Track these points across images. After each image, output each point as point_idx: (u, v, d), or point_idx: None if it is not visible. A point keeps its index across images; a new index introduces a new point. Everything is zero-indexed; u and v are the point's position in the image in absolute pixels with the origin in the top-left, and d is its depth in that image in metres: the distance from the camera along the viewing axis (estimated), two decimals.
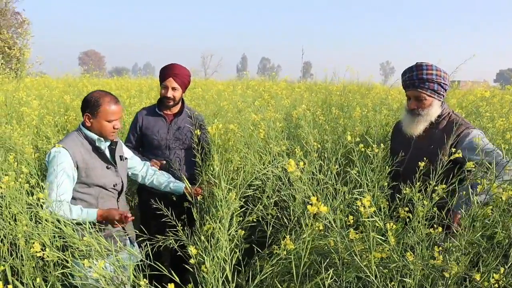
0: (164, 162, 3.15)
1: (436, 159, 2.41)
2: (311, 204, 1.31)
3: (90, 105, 2.41)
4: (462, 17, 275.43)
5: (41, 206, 1.87)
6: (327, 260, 1.84)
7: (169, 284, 1.38)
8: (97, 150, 2.46)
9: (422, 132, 2.61)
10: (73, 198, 2.38)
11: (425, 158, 2.22)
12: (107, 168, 2.48)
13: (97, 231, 1.83)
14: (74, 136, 2.44)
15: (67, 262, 1.67)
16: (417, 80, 2.54)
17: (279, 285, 1.67)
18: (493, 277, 1.79)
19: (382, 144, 2.35)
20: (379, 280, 1.68)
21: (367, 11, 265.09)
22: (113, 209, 2.39)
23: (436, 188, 2.04)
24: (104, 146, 2.51)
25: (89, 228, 1.76)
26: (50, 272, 1.90)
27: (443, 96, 2.59)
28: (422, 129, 2.60)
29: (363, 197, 1.66)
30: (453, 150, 2.24)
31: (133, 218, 2.38)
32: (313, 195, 1.82)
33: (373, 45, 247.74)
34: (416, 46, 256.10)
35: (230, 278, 1.66)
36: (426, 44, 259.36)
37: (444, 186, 2.07)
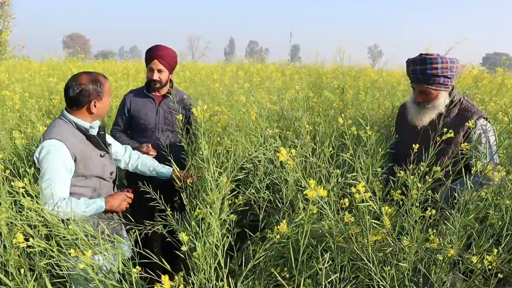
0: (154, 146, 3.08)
1: (448, 149, 2.36)
2: (310, 188, 1.26)
3: (96, 91, 2.28)
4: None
5: (23, 194, 1.77)
6: (322, 244, 1.80)
7: (162, 276, 1.33)
8: (90, 139, 2.32)
9: (433, 121, 2.48)
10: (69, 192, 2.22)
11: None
12: (101, 156, 2.36)
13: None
14: (63, 126, 2.25)
15: (53, 251, 1.61)
16: (421, 75, 2.43)
17: (273, 271, 1.64)
18: (486, 259, 1.79)
19: (375, 127, 2.32)
20: (376, 264, 1.65)
21: None
22: (116, 194, 2.37)
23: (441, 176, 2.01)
24: (95, 133, 2.38)
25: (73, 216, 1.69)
26: (37, 261, 1.84)
27: (451, 85, 2.47)
28: (428, 120, 2.50)
29: (357, 181, 1.63)
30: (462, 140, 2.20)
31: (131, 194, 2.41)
32: (305, 178, 1.78)
33: (361, 28, 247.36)
34: (403, 29, 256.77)
35: (222, 264, 1.62)
36: (413, 26, 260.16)
37: (438, 168, 2.06)
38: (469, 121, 2.21)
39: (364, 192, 1.50)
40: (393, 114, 3.60)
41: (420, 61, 2.43)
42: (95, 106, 2.29)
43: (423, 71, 2.41)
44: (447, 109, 2.48)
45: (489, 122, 2.45)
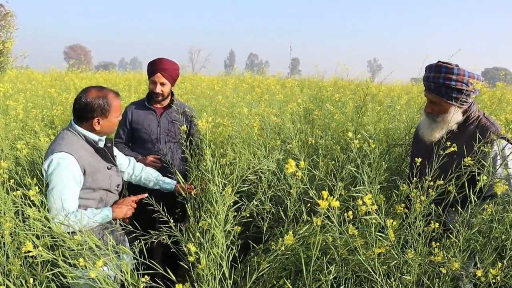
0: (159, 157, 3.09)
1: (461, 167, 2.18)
2: (322, 199, 1.26)
3: (100, 108, 2.21)
4: (448, 13, 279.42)
5: (29, 205, 1.76)
6: (325, 256, 1.80)
7: (177, 285, 1.33)
8: (99, 151, 2.28)
9: (447, 137, 2.24)
10: None
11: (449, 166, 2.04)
12: (108, 168, 2.32)
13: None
14: (72, 138, 2.21)
15: (57, 261, 1.60)
16: (433, 83, 2.28)
17: (285, 281, 1.64)
18: (490, 273, 1.79)
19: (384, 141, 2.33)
20: (381, 276, 1.65)
21: (354, 8, 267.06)
22: (120, 202, 2.31)
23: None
24: (103, 145, 2.35)
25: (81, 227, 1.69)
26: (39, 270, 1.84)
27: (466, 103, 2.29)
28: (438, 137, 2.32)
29: (361, 194, 1.64)
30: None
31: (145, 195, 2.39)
32: (312, 190, 1.78)
33: (360, 42, 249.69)
34: (401, 43, 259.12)
35: (227, 275, 1.62)
36: (411, 40, 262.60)
37: (442, 182, 2.04)
38: (486, 146, 2.09)
39: (371, 205, 1.51)
40: (394, 128, 3.62)
41: (436, 67, 2.29)
42: (98, 123, 2.24)
43: (436, 79, 2.27)
44: (463, 126, 2.32)
45: (510, 142, 2.22)
